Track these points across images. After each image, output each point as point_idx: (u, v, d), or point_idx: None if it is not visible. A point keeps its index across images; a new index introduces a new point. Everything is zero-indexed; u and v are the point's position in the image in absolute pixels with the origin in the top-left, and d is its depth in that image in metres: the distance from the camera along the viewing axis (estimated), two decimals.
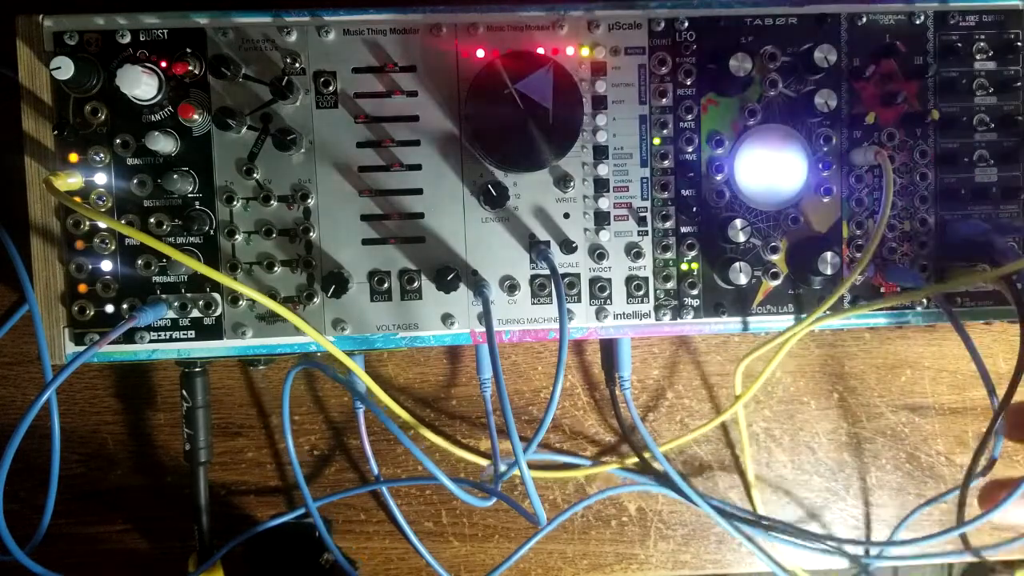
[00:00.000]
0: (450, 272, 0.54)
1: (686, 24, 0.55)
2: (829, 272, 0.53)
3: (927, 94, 0.56)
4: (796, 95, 0.56)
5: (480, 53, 0.54)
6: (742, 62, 0.53)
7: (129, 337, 0.54)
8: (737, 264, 0.54)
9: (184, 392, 0.59)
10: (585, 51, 0.55)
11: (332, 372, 0.53)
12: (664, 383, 0.67)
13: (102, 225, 0.53)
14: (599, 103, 0.55)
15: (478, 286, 0.54)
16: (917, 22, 0.56)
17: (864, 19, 0.55)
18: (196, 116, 0.52)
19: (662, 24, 0.55)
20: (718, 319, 0.57)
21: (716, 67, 0.55)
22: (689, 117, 0.56)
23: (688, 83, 0.55)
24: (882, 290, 0.57)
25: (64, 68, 0.50)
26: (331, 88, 0.54)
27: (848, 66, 0.56)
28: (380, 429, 0.65)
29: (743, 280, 0.54)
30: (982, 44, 0.56)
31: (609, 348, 0.64)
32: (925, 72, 0.56)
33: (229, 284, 0.50)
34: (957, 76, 0.56)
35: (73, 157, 0.53)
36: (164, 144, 0.52)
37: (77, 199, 0.52)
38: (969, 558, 0.59)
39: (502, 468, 0.55)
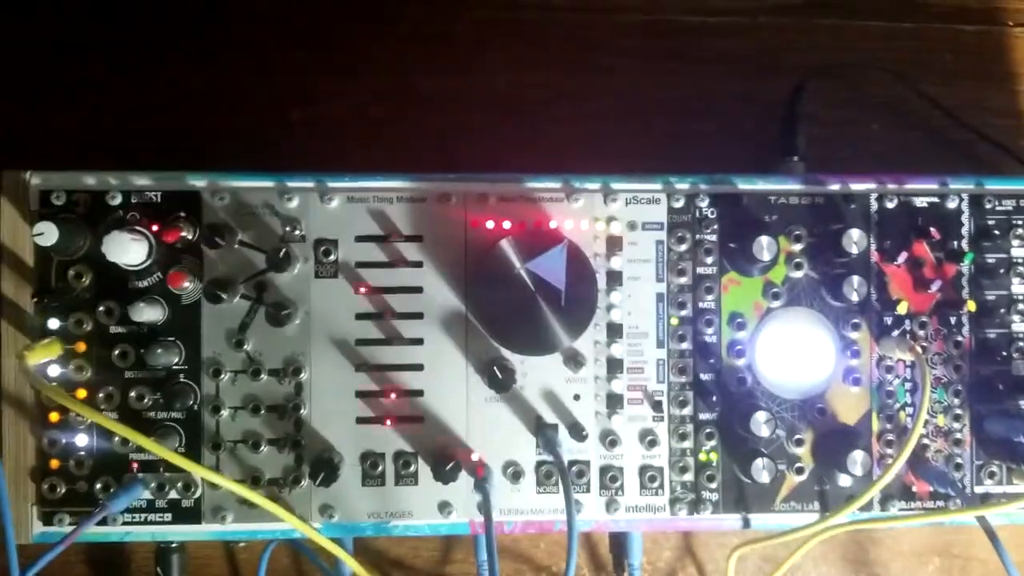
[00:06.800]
0: (449, 462, 0.50)
1: (707, 201, 0.52)
2: (859, 473, 0.49)
3: (962, 280, 0.53)
4: (822, 277, 0.53)
5: (490, 224, 0.52)
6: (766, 246, 0.49)
7: (101, 518, 0.50)
8: (759, 461, 0.50)
9: (159, 569, 0.55)
10: (600, 225, 0.52)
11: (316, 559, 0.49)
12: (676, 565, 0.62)
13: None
14: (614, 279, 0.52)
15: (479, 481, 0.50)
16: (951, 205, 0.53)
17: (895, 201, 0.53)
18: (187, 284, 0.49)
19: (682, 200, 0.52)
20: (738, 515, 0.52)
21: (738, 246, 0.51)
22: (709, 297, 0.52)
23: (708, 261, 0.52)
24: (914, 489, 0.53)
25: (47, 234, 0.47)
26: (332, 257, 0.51)
27: (878, 249, 0.53)
28: None
29: (765, 479, 0.50)
30: (1020, 230, 0.53)
31: (619, 532, 0.60)
32: (960, 258, 0.53)
33: (206, 475, 0.47)
34: (994, 263, 0.53)
35: (53, 323, 0.50)
36: (150, 314, 0.49)
37: (51, 383, 0.49)
38: None
39: None
